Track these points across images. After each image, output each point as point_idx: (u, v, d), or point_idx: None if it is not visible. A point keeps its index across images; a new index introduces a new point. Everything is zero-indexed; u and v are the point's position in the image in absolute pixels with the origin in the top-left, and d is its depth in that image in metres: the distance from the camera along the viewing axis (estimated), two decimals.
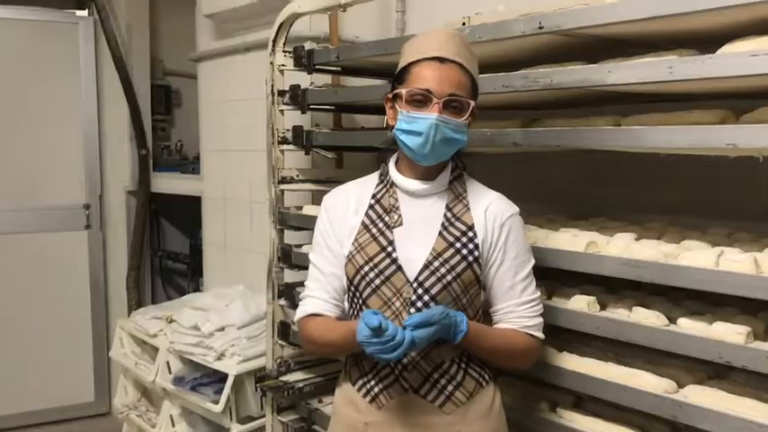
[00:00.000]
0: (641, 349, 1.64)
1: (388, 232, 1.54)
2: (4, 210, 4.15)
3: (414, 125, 1.47)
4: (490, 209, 1.55)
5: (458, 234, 1.52)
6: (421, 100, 1.47)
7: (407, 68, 1.50)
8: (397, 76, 1.54)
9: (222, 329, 3.03)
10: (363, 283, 1.53)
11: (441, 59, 1.46)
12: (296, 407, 2.63)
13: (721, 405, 1.46)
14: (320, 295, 1.61)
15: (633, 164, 1.87)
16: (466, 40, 1.54)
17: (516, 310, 1.55)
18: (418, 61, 1.48)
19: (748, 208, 1.88)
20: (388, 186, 1.59)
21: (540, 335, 1.58)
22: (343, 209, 1.60)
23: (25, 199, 4.20)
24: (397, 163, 1.60)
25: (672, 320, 1.61)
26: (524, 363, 1.63)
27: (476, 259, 1.51)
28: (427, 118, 1.45)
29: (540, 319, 1.58)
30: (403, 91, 1.49)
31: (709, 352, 1.46)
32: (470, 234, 1.52)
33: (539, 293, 1.60)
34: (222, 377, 2.91)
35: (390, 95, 1.54)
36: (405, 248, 1.52)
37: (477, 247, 1.51)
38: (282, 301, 2.60)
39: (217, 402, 2.87)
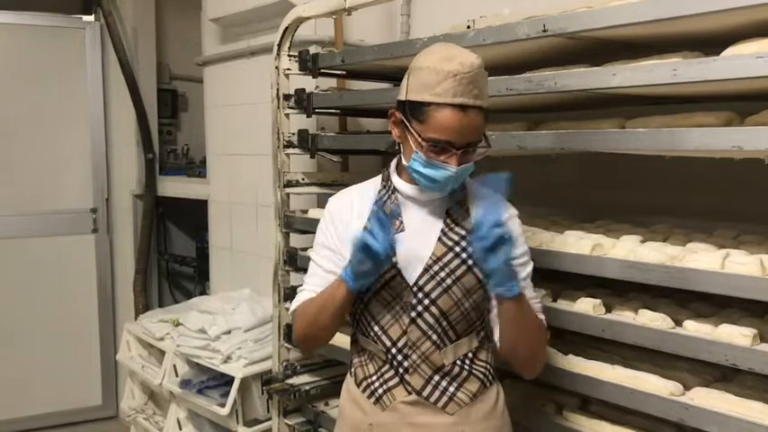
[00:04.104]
0: (647, 352, 1.64)
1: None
2: (12, 214, 4.17)
3: (431, 171, 1.45)
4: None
5: (457, 239, 1.53)
6: (438, 147, 1.43)
7: (426, 109, 1.41)
8: (411, 105, 1.44)
9: (229, 332, 3.04)
10: (364, 288, 1.53)
11: (463, 107, 1.39)
12: (302, 410, 2.64)
13: (728, 408, 1.46)
14: (315, 289, 1.61)
15: (638, 166, 1.87)
16: (482, 65, 1.44)
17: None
18: (440, 105, 1.39)
19: (754, 210, 1.88)
20: (390, 192, 1.59)
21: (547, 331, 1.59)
22: (347, 214, 1.60)
23: (33, 203, 4.22)
24: (398, 168, 1.60)
25: (678, 323, 1.61)
26: (540, 352, 1.59)
27: (476, 263, 1.51)
28: (447, 170, 1.43)
29: (544, 318, 1.59)
30: (418, 135, 1.43)
31: (716, 354, 1.46)
32: (470, 238, 1.52)
33: (537, 292, 1.61)
34: (229, 380, 2.92)
35: (399, 118, 1.49)
36: (405, 253, 1.52)
37: None
38: (288, 304, 2.61)
39: (223, 405, 2.88)
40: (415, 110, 1.44)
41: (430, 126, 1.41)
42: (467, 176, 1.52)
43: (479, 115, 1.42)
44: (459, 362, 1.54)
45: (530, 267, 1.59)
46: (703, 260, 1.50)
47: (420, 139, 1.43)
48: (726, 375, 1.65)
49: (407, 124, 1.46)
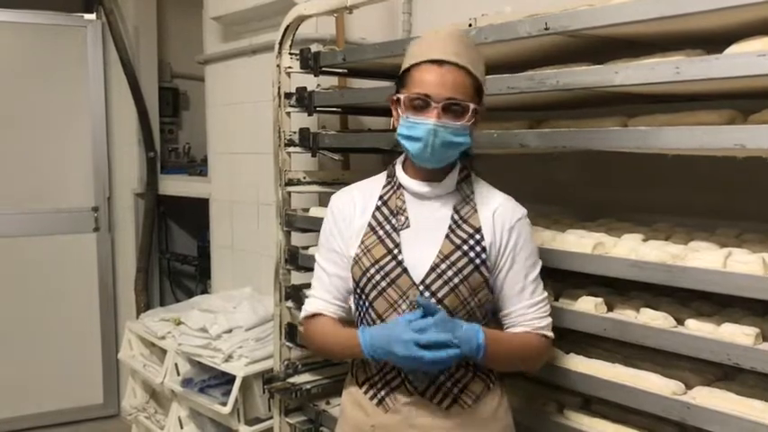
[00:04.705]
0: (649, 351, 1.64)
1: (394, 235, 1.53)
2: (14, 213, 4.17)
3: (413, 130, 1.46)
4: (498, 212, 1.55)
5: (465, 237, 1.52)
6: (420, 105, 1.46)
7: (408, 72, 1.49)
8: (399, 78, 1.54)
9: (230, 331, 3.04)
10: (369, 286, 1.53)
11: (439, 62, 1.45)
12: (303, 408, 2.63)
13: (730, 407, 1.45)
14: (323, 296, 1.62)
15: (640, 165, 1.86)
16: (468, 39, 1.52)
17: (528, 312, 1.55)
18: (418, 64, 1.47)
19: (757, 209, 1.87)
20: (396, 188, 1.58)
21: (551, 334, 1.59)
22: (350, 210, 1.60)
23: (34, 202, 4.22)
24: (404, 164, 1.60)
25: (680, 322, 1.60)
26: (537, 364, 1.63)
27: (483, 262, 1.51)
28: (426, 123, 1.44)
29: (551, 319, 1.59)
30: (402, 96, 1.49)
31: (718, 353, 1.45)
32: (477, 237, 1.52)
33: (546, 294, 1.60)
34: (230, 379, 2.92)
35: (394, 98, 1.54)
36: (411, 251, 1.51)
37: (484, 249, 1.51)
38: (290, 303, 2.61)
39: (225, 404, 2.87)
40: (401, 80, 1.52)
41: (410, 85, 1.49)
42: (462, 148, 1.50)
43: (460, 73, 1.45)
44: (464, 363, 1.53)
45: (537, 268, 1.58)
46: (705, 259, 1.50)
47: (403, 100, 1.48)
48: (728, 374, 1.64)
49: (397, 96, 1.51)
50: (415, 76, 1.47)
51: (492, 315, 1.59)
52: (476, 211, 1.55)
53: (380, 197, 1.59)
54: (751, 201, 1.89)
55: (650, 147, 1.54)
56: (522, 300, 1.55)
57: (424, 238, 1.52)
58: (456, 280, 1.49)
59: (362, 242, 1.55)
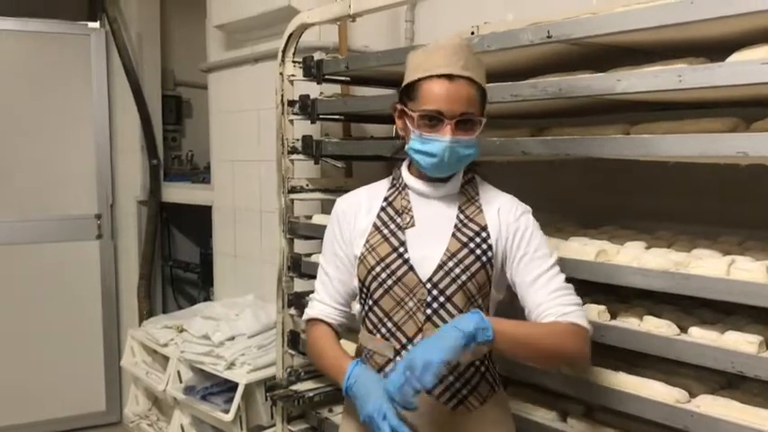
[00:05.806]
0: (652, 359, 1.63)
1: (399, 233, 1.54)
2: (17, 220, 4.18)
3: (427, 146, 1.47)
4: (502, 209, 1.55)
5: (471, 235, 1.52)
6: (433, 121, 1.46)
7: (416, 85, 1.48)
8: (405, 89, 1.52)
9: (232, 339, 3.04)
10: (375, 284, 1.53)
11: (449, 77, 1.45)
12: (306, 416, 2.63)
13: (734, 415, 1.45)
14: (325, 300, 1.64)
15: (643, 172, 1.87)
16: (472, 49, 1.53)
17: (547, 300, 1.48)
18: (427, 78, 1.46)
19: (759, 216, 1.87)
20: (401, 189, 1.59)
21: (584, 323, 1.46)
22: (354, 212, 1.61)
23: (37, 209, 4.23)
24: (409, 166, 1.61)
25: (683, 329, 1.60)
26: (574, 349, 1.46)
27: (489, 260, 1.51)
28: (441, 140, 1.45)
29: (580, 309, 1.48)
30: (413, 113, 1.48)
31: (722, 361, 1.45)
32: (483, 235, 1.52)
33: (570, 286, 1.52)
34: (232, 386, 2.92)
35: (400, 108, 1.54)
36: (417, 249, 1.51)
37: (490, 247, 1.51)
38: (292, 311, 2.61)
39: (227, 412, 2.87)
40: (408, 91, 1.51)
41: (420, 100, 1.47)
42: (471, 159, 1.52)
43: (469, 86, 1.46)
44: (475, 363, 1.52)
45: (551, 260, 1.53)
46: (708, 266, 1.50)
47: (413, 115, 1.48)
48: (732, 382, 1.64)
49: (405, 108, 1.51)
50: (426, 90, 1.46)
51: None
52: (481, 210, 1.56)
53: (385, 198, 1.60)
54: (754, 208, 1.88)
55: (652, 154, 1.54)
56: (539, 289, 1.50)
57: (430, 237, 1.52)
58: (464, 277, 1.49)
59: (367, 241, 1.56)
